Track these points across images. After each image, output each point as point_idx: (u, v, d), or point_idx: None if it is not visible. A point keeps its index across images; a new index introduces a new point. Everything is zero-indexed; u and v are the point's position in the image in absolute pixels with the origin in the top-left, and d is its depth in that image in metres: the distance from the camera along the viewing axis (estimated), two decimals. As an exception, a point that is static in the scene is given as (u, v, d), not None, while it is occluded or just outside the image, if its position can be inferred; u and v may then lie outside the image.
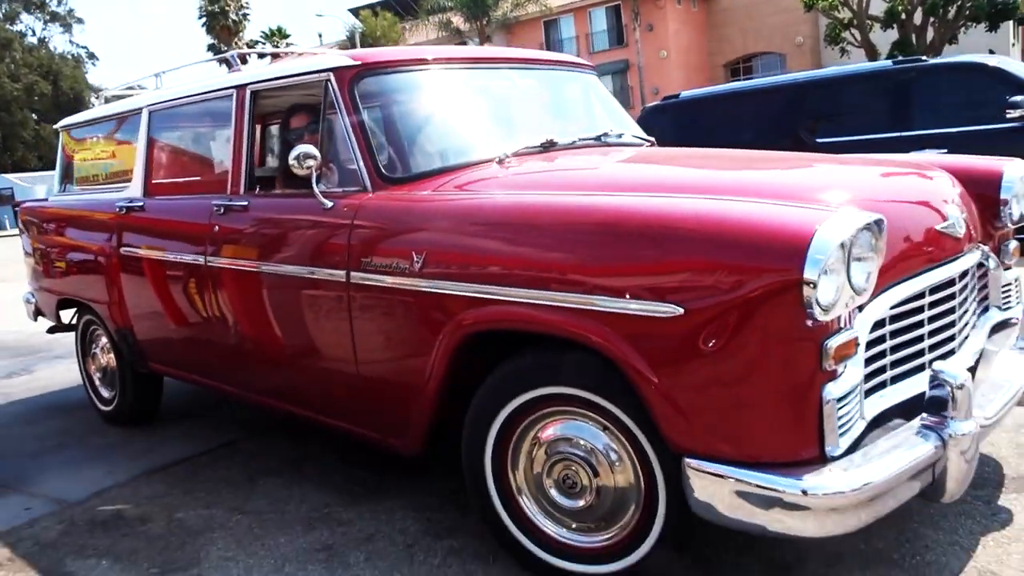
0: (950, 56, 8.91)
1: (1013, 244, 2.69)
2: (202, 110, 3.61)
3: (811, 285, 1.62)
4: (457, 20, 36.99)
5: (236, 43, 47.29)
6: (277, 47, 49.46)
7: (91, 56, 59.87)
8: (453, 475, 2.63)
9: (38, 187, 44.03)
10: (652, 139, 3.38)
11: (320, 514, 2.83)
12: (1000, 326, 2.61)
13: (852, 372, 1.80)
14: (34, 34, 57.72)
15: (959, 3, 22.96)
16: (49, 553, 2.74)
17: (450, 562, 2.41)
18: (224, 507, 2.97)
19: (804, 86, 7.29)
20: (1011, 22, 25.50)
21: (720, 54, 38.88)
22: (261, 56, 4.18)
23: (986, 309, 2.62)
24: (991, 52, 8.85)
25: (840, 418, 1.76)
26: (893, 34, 24.98)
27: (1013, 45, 31.67)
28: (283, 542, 2.65)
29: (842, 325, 1.76)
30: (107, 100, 4.79)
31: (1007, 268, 2.70)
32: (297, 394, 3.00)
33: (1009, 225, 2.62)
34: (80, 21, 58.92)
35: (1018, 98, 6.01)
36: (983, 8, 22.69)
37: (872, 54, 24.03)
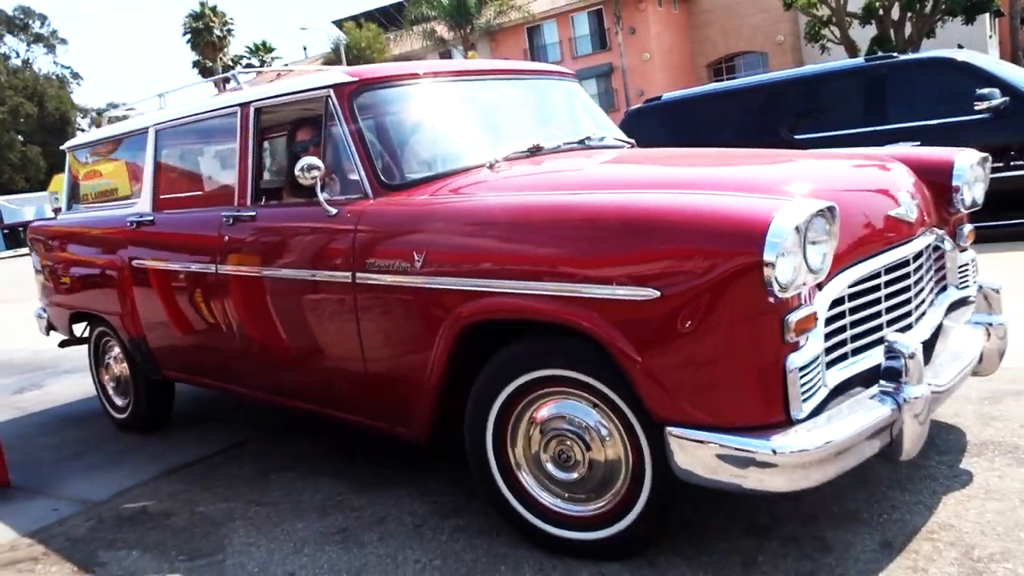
0: (922, 52, 9.17)
1: (968, 228, 2.91)
2: (208, 127, 3.81)
3: (770, 266, 1.83)
4: (441, 29, 37.27)
5: (221, 59, 47.48)
6: (263, 61, 49.70)
7: (76, 76, 60.05)
8: (457, 465, 2.82)
9: (26, 209, 44.01)
10: (632, 141, 3.59)
11: (334, 502, 3.03)
12: (958, 303, 2.83)
13: (813, 344, 2.00)
14: (18, 56, 57.78)
15: (935, -3, 23.37)
16: (81, 547, 2.92)
17: (457, 537, 2.61)
18: (242, 500, 3.16)
19: (781, 85, 7.54)
20: (987, 15, 25.93)
21: (703, 55, 39.29)
22: (247, 68, 4.37)
23: (944, 288, 2.84)
24: (960, 47, 9.12)
25: (803, 385, 1.97)
26: (872, 30, 25.38)
27: (990, 37, 32.14)
28: (300, 527, 2.84)
29: (802, 302, 1.97)
30: (110, 121, 4.98)
31: (963, 250, 2.92)
32: (309, 391, 3.20)
33: (962, 210, 2.84)
34: (63, 42, 59.07)
35: (985, 91, 6.27)
36: (959, 2, 23.08)
37: (852, 50, 24.40)
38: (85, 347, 4.69)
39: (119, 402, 4.40)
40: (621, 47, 35.29)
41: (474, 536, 2.61)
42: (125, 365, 4.24)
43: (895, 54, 7.21)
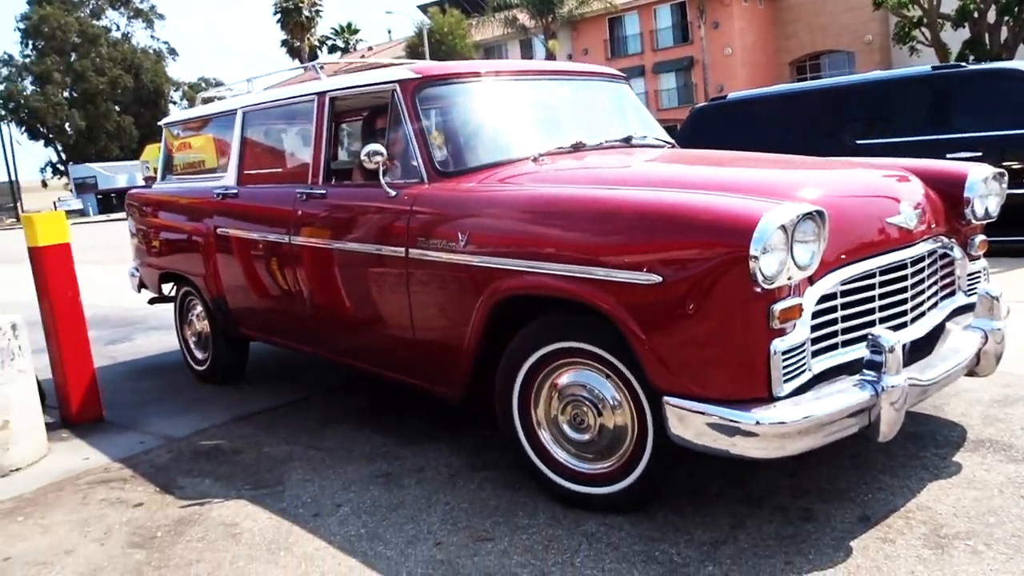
0: (988, 64, 9.05)
1: (980, 238, 3.09)
2: (288, 112, 4.23)
3: (755, 259, 2.10)
4: (523, 17, 37.55)
5: (308, 39, 48.86)
6: (347, 42, 50.85)
7: (172, 51, 62.44)
8: (491, 427, 3.15)
9: (120, 176, 46.24)
10: (672, 141, 3.84)
11: (380, 452, 3.40)
12: (964, 309, 3.01)
13: (799, 332, 2.26)
14: (118, 29, 60.35)
15: (1034, 1, 22.44)
16: (163, 473, 3.38)
17: (484, 487, 2.95)
18: (302, 445, 3.58)
19: (846, 90, 7.60)
20: (1091, 21, 24.72)
21: (787, 51, 38.52)
22: (331, 51, 4.78)
23: (952, 293, 3.03)
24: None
25: (786, 367, 2.22)
26: (965, 33, 24.54)
27: (1094, 44, 30.57)
28: (350, 470, 3.23)
29: (790, 293, 2.23)
30: (204, 101, 5.47)
31: (975, 259, 3.10)
32: (365, 352, 3.58)
33: (973, 221, 3.01)
34: (161, 17, 61.33)
35: (1050, 104, 6.25)
36: (1059, 7, 22.13)
37: (943, 54, 23.69)
38: (171, 305, 5.21)
39: (199, 355, 4.90)
40: (703, 41, 34.96)
41: (499, 488, 2.94)
42: (206, 322, 4.72)
43: (963, 64, 7.19)
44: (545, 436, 2.75)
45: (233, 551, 2.61)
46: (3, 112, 52.53)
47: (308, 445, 3.57)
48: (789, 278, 2.20)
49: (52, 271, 4.01)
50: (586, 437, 2.65)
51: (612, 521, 2.58)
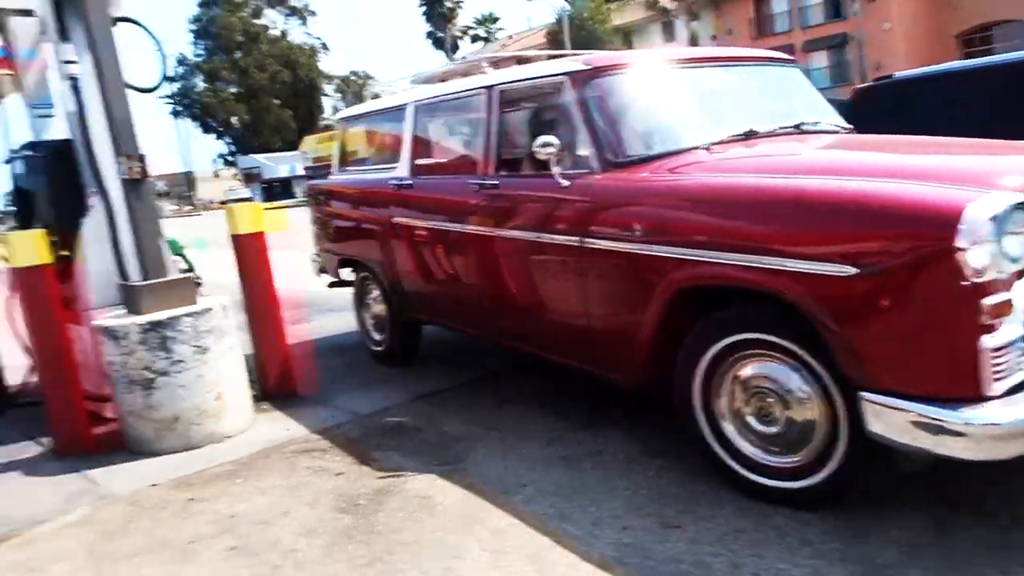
0: None
1: None
2: (459, 105, 4.40)
3: (963, 252, 2.03)
4: (664, -1, 36.86)
5: (450, 29, 50.04)
6: (488, 32, 51.64)
7: (324, 46, 65.63)
8: (662, 414, 3.19)
9: (281, 166, 49.14)
10: (850, 126, 3.72)
11: (556, 435, 3.52)
12: None
13: (1010, 329, 2.15)
14: (275, 26, 63.97)
15: None
16: (356, 445, 3.65)
17: (661, 475, 3.01)
18: (479, 425, 3.75)
19: (1035, 64, 7.01)
20: None
21: (953, 23, 35.58)
22: (473, 41, 4.92)
23: None
24: None
25: (996, 365, 2.13)
26: None
27: None
28: (529, 451, 3.36)
29: (1000, 288, 2.14)
30: (374, 97, 5.79)
31: None
32: (535, 337, 3.71)
33: None
34: (313, 13, 64.64)
35: None
36: None
37: None
38: (346, 289, 5.55)
39: (376, 337, 5.21)
40: (858, 15, 32.98)
41: (678, 476, 2.98)
42: (383, 306, 5.01)
43: None
44: (728, 428, 2.77)
45: (431, 523, 2.80)
46: (179, 108, 56.98)
47: (485, 425, 3.74)
48: (999, 272, 2.11)
49: (252, 256, 4.38)
50: (773, 430, 2.65)
51: (802, 517, 2.56)
